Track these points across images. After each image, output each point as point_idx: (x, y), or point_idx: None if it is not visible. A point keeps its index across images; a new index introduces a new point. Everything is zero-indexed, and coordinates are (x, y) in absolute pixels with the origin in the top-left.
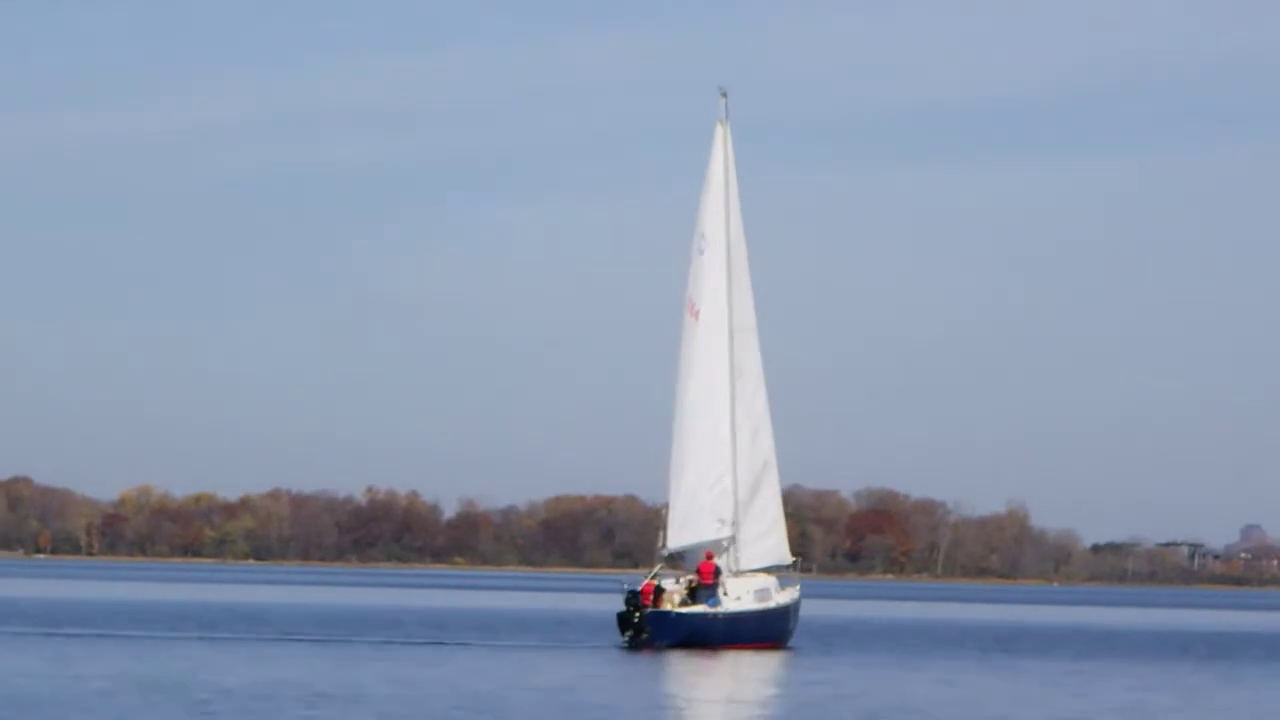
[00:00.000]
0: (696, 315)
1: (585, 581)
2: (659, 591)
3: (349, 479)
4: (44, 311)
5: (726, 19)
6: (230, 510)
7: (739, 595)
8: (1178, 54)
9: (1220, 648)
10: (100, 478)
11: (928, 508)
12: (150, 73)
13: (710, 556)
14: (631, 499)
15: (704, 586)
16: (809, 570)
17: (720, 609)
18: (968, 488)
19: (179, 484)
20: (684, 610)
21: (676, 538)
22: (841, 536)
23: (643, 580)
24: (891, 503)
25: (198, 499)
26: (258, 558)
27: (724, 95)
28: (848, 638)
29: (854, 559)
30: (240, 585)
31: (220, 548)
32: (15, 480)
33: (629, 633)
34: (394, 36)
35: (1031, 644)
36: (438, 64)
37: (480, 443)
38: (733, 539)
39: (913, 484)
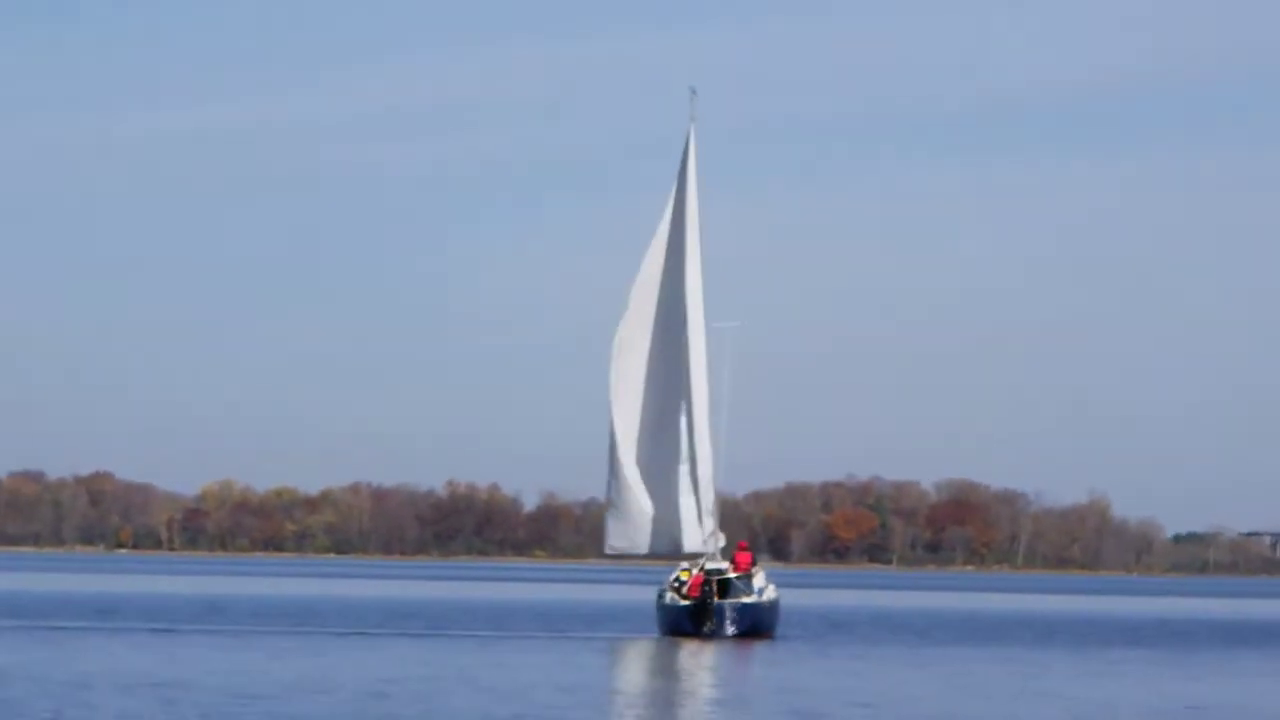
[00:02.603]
0: (684, 317)
1: (666, 573)
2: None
3: (430, 472)
4: (123, 310)
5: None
6: (311, 504)
7: (764, 585)
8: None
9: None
10: (181, 473)
11: (1008, 498)
12: (222, 69)
13: (744, 546)
14: None
15: (741, 576)
16: (889, 562)
17: (765, 598)
18: (1049, 478)
19: (260, 478)
20: (749, 601)
21: (706, 527)
22: (922, 527)
23: (676, 570)
24: (972, 493)
25: (279, 493)
26: (338, 552)
27: (694, 93)
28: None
29: (934, 550)
30: (290, 580)
31: (301, 542)
32: (97, 476)
33: (706, 624)
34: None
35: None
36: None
37: (561, 435)
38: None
39: (993, 474)
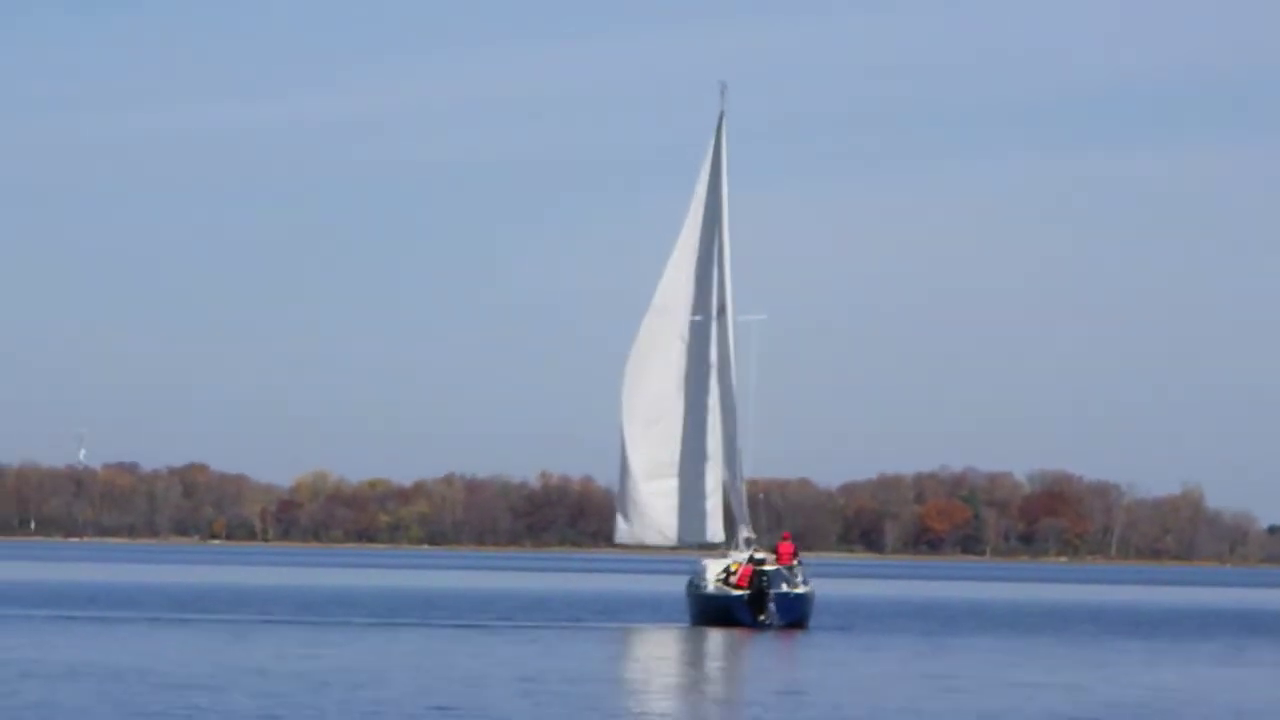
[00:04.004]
0: (723, 310)
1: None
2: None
3: (523, 464)
4: (218, 303)
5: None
6: (404, 496)
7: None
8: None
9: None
10: (275, 464)
11: (1102, 489)
12: (285, 64)
13: (787, 537)
14: (805, 482)
15: (785, 567)
16: (982, 553)
17: (806, 589)
18: (1142, 469)
19: (354, 469)
20: (801, 591)
21: (744, 518)
22: (1015, 519)
23: (709, 561)
24: (1065, 484)
25: (372, 484)
26: (432, 543)
27: (724, 88)
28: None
29: (1027, 541)
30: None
31: (394, 533)
32: (191, 467)
33: (761, 615)
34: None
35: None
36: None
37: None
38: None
39: (1087, 465)
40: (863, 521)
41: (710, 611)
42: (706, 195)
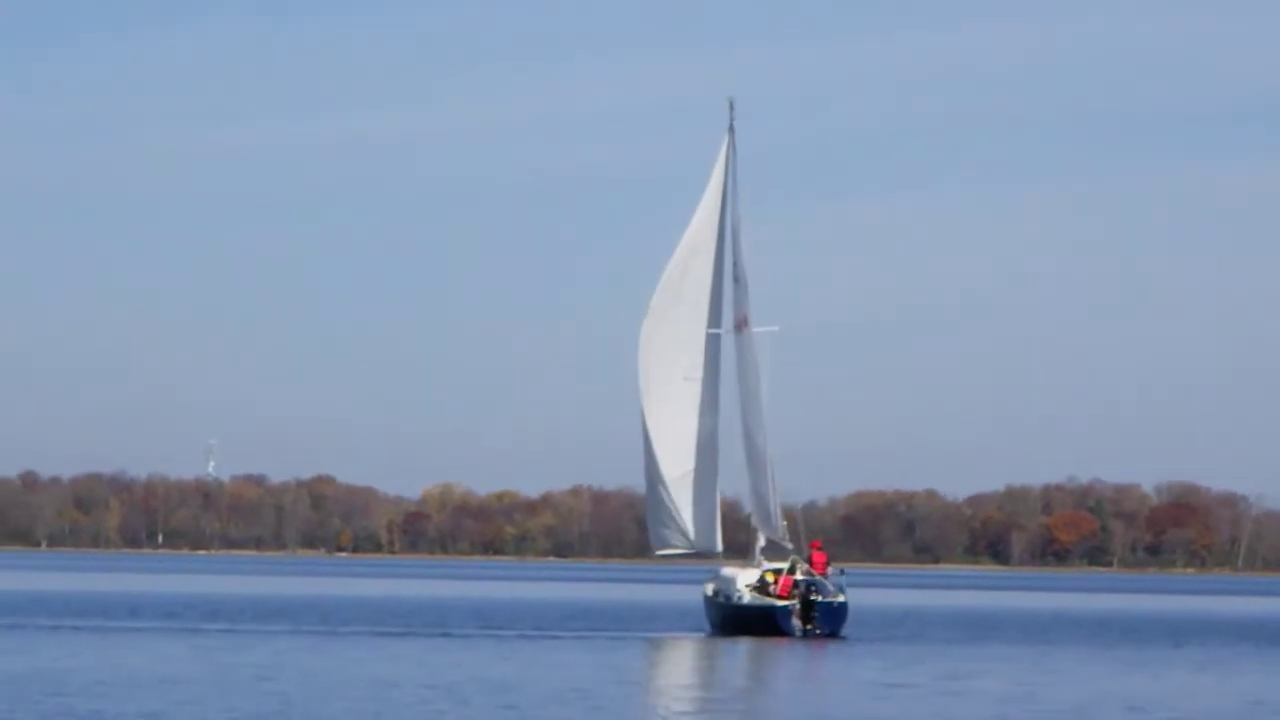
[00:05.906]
0: (747, 325)
1: (882, 577)
2: (797, 585)
3: None
4: (345, 316)
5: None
6: (531, 507)
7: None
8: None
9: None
10: (402, 476)
11: (1229, 501)
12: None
13: (818, 546)
14: (932, 494)
15: (819, 577)
16: (1110, 564)
17: (844, 597)
18: (1270, 480)
19: (481, 481)
20: (841, 599)
21: (779, 527)
22: (1142, 530)
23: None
24: (1193, 496)
25: (499, 496)
26: (558, 555)
27: (732, 105)
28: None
29: (1154, 553)
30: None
31: (521, 545)
32: (319, 479)
33: (809, 624)
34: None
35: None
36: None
37: (779, 438)
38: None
39: (1214, 477)
40: (989, 533)
41: (746, 621)
42: (720, 208)
